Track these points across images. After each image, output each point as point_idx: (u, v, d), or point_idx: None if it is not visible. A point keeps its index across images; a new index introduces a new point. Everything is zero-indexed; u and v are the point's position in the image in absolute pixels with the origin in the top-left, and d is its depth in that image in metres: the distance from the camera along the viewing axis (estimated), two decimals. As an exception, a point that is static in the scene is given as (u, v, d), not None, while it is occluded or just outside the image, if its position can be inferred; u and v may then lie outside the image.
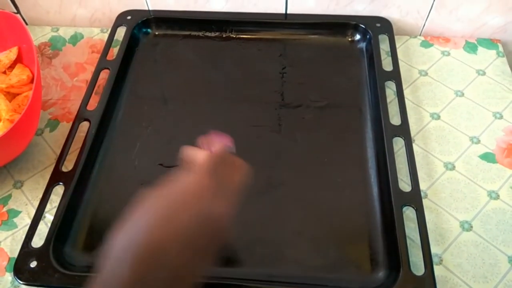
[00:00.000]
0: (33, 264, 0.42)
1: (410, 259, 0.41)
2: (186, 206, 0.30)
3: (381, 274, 0.42)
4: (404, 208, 0.44)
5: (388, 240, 0.44)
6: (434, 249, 0.43)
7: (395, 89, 0.55)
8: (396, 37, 0.62)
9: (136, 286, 0.26)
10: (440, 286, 0.40)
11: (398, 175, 0.47)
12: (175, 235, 0.28)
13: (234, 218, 0.33)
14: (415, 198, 0.45)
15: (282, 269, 0.43)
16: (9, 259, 0.45)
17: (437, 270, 0.41)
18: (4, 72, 0.56)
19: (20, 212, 0.49)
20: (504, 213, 0.47)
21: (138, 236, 0.27)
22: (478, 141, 0.52)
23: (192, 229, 0.29)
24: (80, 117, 0.54)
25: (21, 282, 0.41)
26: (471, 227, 0.46)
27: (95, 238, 0.46)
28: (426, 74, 0.60)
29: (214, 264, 0.31)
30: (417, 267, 0.41)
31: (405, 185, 0.46)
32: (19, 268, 0.42)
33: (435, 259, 0.43)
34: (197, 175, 0.33)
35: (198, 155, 0.35)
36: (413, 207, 0.44)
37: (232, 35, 0.65)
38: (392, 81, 0.55)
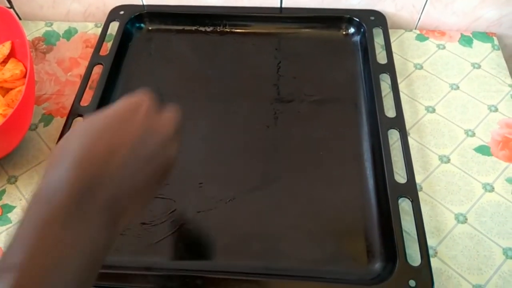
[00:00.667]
0: None
1: (406, 252, 0.41)
2: (124, 120, 0.29)
3: (377, 265, 0.42)
4: (400, 201, 0.44)
5: (384, 231, 0.44)
6: (429, 242, 0.43)
7: (389, 83, 0.55)
8: (391, 30, 0.62)
9: (78, 195, 0.25)
10: (435, 278, 0.40)
11: (394, 169, 0.47)
12: (117, 146, 0.27)
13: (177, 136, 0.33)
14: (410, 189, 0.45)
15: (278, 262, 0.43)
16: (4, 254, 0.45)
17: (432, 262, 0.41)
18: (-3, 67, 0.55)
19: (14, 207, 0.49)
20: (499, 206, 0.47)
21: (79, 146, 0.27)
22: (473, 134, 0.52)
23: (134, 141, 0.28)
24: (74, 112, 0.53)
25: None
26: (466, 219, 0.46)
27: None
28: (422, 67, 0.60)
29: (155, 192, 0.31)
30: (413, 259, 0.41)
31: (400, 178, 0.46)
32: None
33: (430, 252, 0.43)
34: (129, 100, 0.32)
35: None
36: (408, 198, 0.44)
37: (226, 30, 0.64)
38: (387, 73, 0.55)
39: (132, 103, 0.31)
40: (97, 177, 0.26)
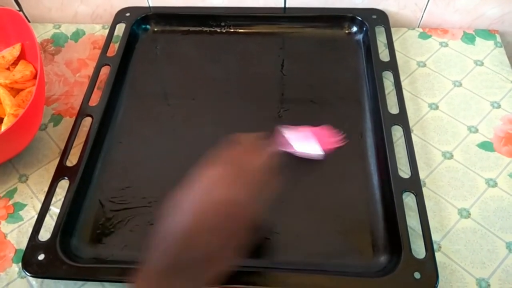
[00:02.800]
0: (41, 257, 0.43)
1: (411, 247, 0.42)
2: (206, 196, 0.34)
3: (383, 258, 0.43)
4: (404, 195, 0.45)
5: (389, 225, 0.44)
6: (433, 237, 0.44)
7: (392, 80, 0.56)
8: (394, 29, 0.62)
9: (177, 257, 0.32)
10: (439, 272, 0.40)
11: (398, 165, 0.47)
12: (202, 223, 0.33)
13: (261, 206, 0.36)
14: (414, 184, 0.45)
15: (284, 256, 0.44)
16: (16, 250, 0.46)
17: (436, 256, 0.41)
18: (8, 68, 0.57)
19: (25, 205, 0.50)
20: (502, 201, 0.47)
21: (175, 225, 0.33)
22: (476, 130, 0.53)
23: (214, 216, 0.33)
24: (83, 113, 0.54)
25: (30, 275, 0.42)
26: (469, 214, 0.46)
27: (101, 230, 0.47)
28: (424, 65, 0.60)
29: (246, 248, 0.34)
30: (418, 253, 0.42)
31: (404, 174, 0.47)
32: (27, 261, 0.43)
33: (434, 246, 0.44)
34: (215, 166, 0.36)
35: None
36: (412, 193, 0.45)
37: (231, 30, 0.65)
38: (390, 71, 0.56)
39: (214, 175, 0.35)
40: (190, 249, 0.32)
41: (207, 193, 0.34)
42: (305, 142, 0.48)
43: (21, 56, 0.58)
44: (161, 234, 0.33)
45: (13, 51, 0.57)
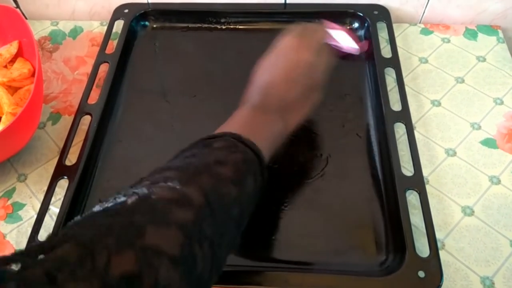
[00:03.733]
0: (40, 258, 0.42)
1: (415, 245, 0.41)
2: (291, 56, 0.43)
3: (386, 257, 0.42)
4: (407, 193, 0.45)
5: (393, 223, 0.44)
6: (436, 234, 0.43)
7: (395, 77, 0.55)
8: (396, 25, 0.62)
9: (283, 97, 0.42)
10: (443, 271, 0.40)
11: (401, 162, 0.47)
12: (280, 76, 0.42)
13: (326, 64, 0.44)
14: (417, 182, 0.45)
15: (287, 255, 0.43)
16: (15, 251, 0.46)
17: (440, 255, 0.41)
18: (5, 66, 0.56)
19: (24, 204, 0.49)
20: (506, 198, 0.47)
21: (272, 73, 0.43)
22: (479, 127, 0.53)
23: (301, 69, 0.42)
24: (81, 111, 0.54)
25: None
26: (473, 212, 0.46)
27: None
28: (427, 61, 0.60)
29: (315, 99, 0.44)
30: (422, 252, 0.41)
31: (407, 172, 0.46)
32: (27, 262, 0.42)
33: (437, 244, 0.43)
34: (291, 37, 0.44)
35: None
36: (416, 191, 0.45)
37: (231, 26, 0.65)
38: (392, 67, 0.55)
39: (287, 45, 0.44)
40: (271, 89, 0.42)
41: (291, 53, 0.43)
42: (344, 37, 0.56)
43: (19, 54, 0.57)
44: (258, 83, 0.43)
45: (11, 48, 0.56)
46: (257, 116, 0.40)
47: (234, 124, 0.40)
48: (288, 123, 0.42)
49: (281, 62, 0.43)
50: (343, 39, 0.56)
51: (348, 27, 0.63)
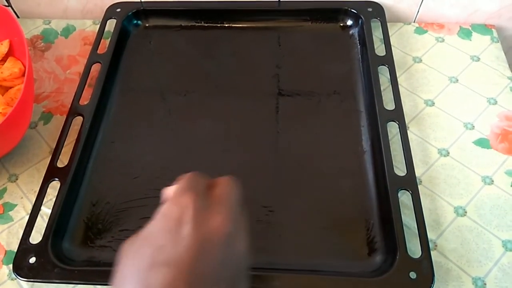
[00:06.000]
0: (32, 260, 0.42)
1: (406, 245, 0.41)
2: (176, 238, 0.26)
3: (378, 258, 0.42)
4: (399, 194, 0.44)
5: (384, 224, 0.44)
6: (428, 235, 0.43)
7: (388, 76, 0.55)
8: (390, 24, 0.61)
9: None
10: (435, 271, 0.40)
11: (393, 162, 0.47)
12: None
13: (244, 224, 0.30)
14: (410, 182, 0.45)
15: (279, 256, 0.43)
16: (6, 252, 0.46)
17: (432, 255, 0.41)
18: (-4, 66, 0.55)
19: (15, 205, 0.49)
20: (498, 198, 0.47)
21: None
22: (473, 127, 0.52)
23: (196, 253, 0.25)
24: (73, 112, 0.53)
25: (21, 279, 0.41)
26: (466, 212, 0.46)
27: (93, 232, 0.46)
28: (420, 60, 0.59)
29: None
30: (413, 252, 0.41)
31: (400, 172, 0.46)
32: (18, 265, 0.42)
33: (429, 245, 0.43)
34: (170, 202, 0.28)
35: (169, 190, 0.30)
36: (408, 191, 0.44)
37: (225, 25, 0.64)
38: (385, 65, 0.55)
39: (172, 214, 0.27)
40: None
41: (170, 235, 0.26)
42: None
43: (10, 53, 0.56)
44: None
45: (1, 47, 0.56)
46: None
47: None
48: None
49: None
50: None
51: (341, 24, 0.62)
